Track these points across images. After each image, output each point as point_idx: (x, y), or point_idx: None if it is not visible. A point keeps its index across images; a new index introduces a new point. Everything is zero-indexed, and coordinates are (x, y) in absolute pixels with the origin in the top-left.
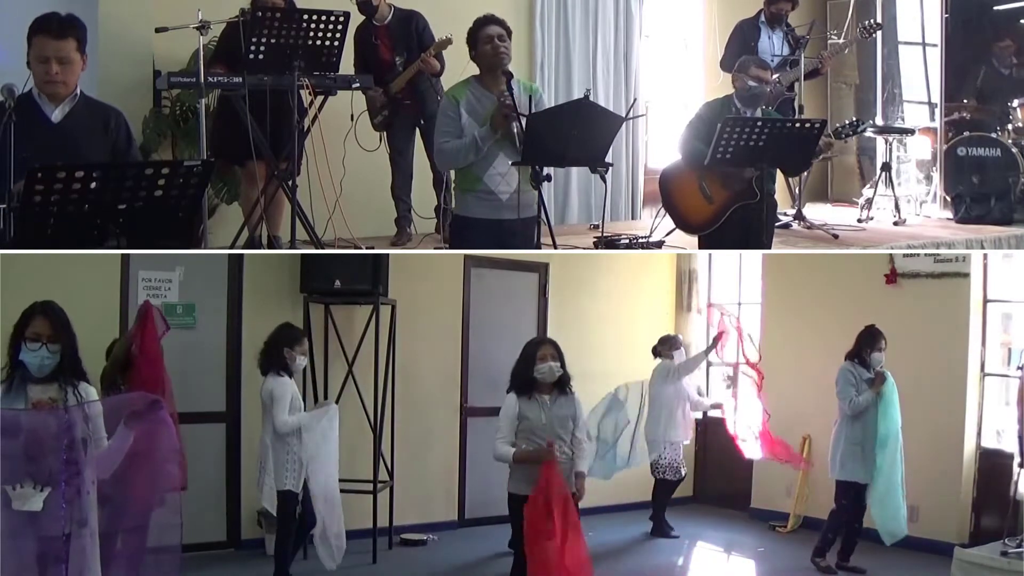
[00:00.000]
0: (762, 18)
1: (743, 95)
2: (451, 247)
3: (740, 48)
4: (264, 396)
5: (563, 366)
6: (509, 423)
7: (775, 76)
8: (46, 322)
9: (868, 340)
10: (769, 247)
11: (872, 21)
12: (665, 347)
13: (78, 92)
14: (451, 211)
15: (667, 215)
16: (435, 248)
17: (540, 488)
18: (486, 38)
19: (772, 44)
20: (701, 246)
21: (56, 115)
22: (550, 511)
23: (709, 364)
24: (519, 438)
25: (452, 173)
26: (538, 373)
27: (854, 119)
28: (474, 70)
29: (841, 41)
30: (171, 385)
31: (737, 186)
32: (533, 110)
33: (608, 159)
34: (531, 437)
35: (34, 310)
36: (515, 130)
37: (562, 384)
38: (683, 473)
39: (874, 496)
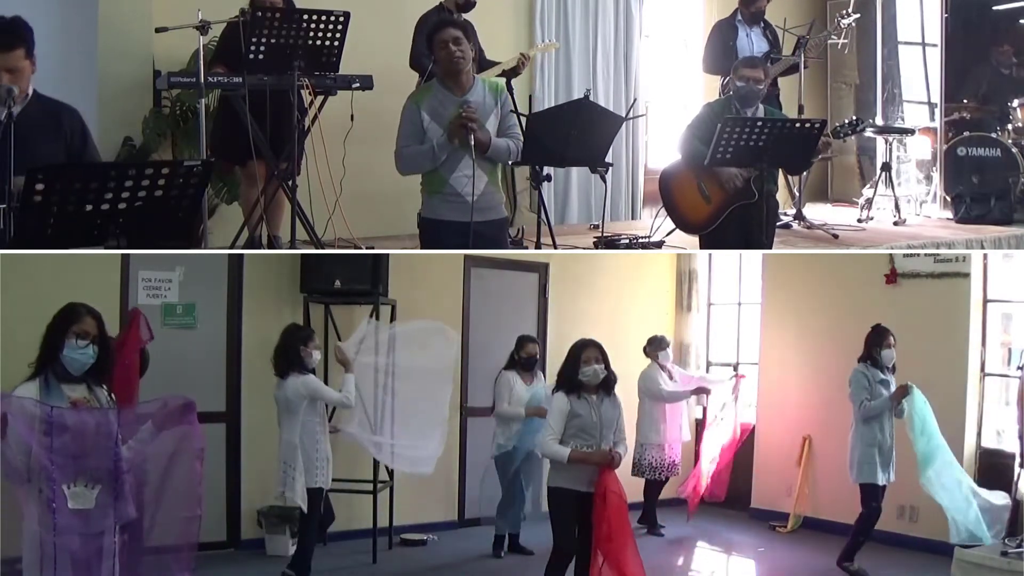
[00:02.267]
0: (738, 17)
1: (738, 94)
2: (421, 248)
3: (719, 48)
4: (292, 397)
5: (608, 367)
6: (560, 420)
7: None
8: (94, 322)
9: (876, 339)
10: (770, 247)
11: (845, 13)
12: (652, 347)
13: (30, 92)
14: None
15: (667, 215)
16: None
17: (612, 491)
18: (441, 43)
19: (751, 42)
20: (702, 246)
21: (5, 115)
22: (625, 511)
23: (709, 364)
24: (568, 435)
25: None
26: (583, 376)
27: (853, 118)
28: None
29: (820, 35)
30: (139, 393)
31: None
32: (505, 109)
33: (608, 159)
34: (581, 435)
35: (79, 310)
36: (471, 141)
37: (608, 386)
38: (665, 476)
39: (952, 512)
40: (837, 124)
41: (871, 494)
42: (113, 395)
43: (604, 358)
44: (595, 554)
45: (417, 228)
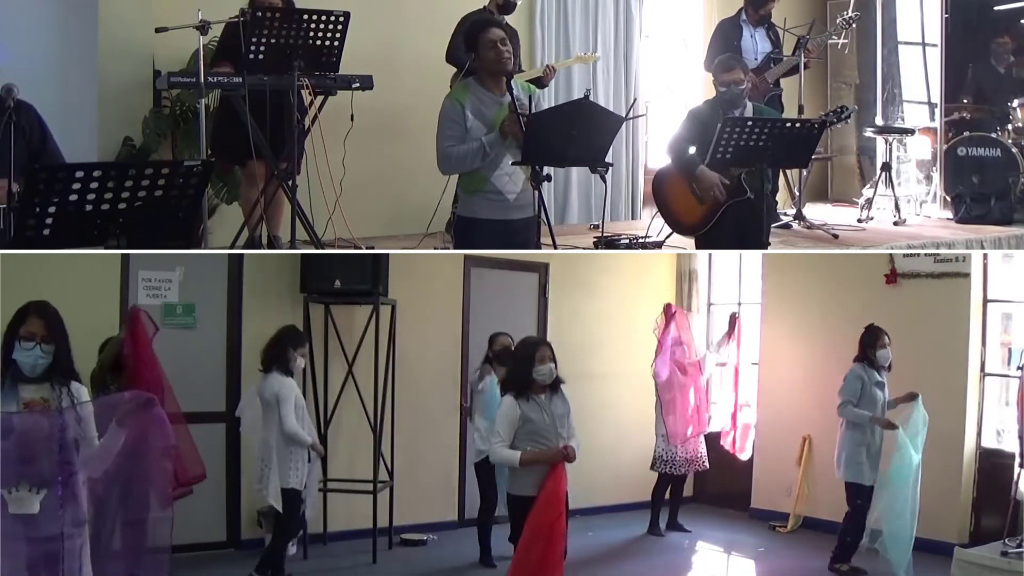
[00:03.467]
0: (743, 17)
1: (722, 100)
2: (457, 248)
3: (722, 48)
4: (267, 395)
5: (556, 366)
6: (509, 426)
7: (758, 75)
8: (40, 321)
9: (870, 339)
10: (766, 246)
11: (848, 12)
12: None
13: None
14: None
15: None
16: (435, 248)
17: (549, 491)
18: (489, 43)
19: (755, 42)
20: (698, 246)
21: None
22: (557, 513)
23: None
24: (521, 440)
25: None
26: (538, 375)
27: (840, 106)
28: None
29: (825, 33)
30: (170, 385)
31: (726, 186)
32: (533, 111)
33: (608, 159)
34: (536, 439)
35: (28, 310)
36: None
37: (555, 385)
38: (682, 471)
39: (886, 533)
40: (823, 112)
41: (856, 493)
42: (73, 393)
43: (554, 357)
44: (535, 553)
45: (450, 227)
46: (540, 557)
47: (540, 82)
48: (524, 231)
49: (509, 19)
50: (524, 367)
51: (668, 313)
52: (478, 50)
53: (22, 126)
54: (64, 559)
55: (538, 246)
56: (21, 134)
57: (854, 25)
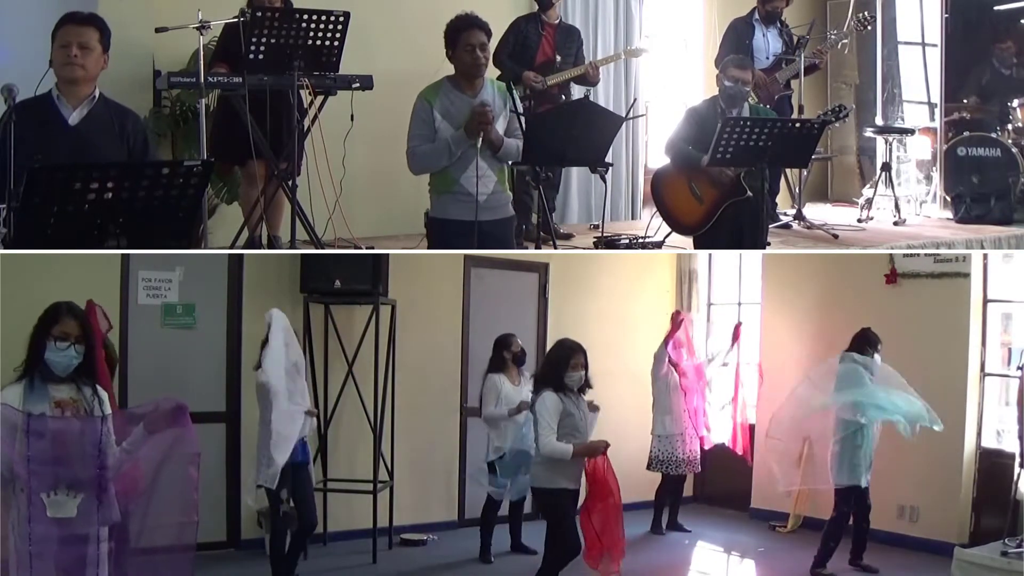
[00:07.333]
0: (756, 16)
1: (724, 95)
2: (429, 248)
3: (734, 47)
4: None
5: (587, 372)
6: (554, 418)
7: (768, 75)
8: (75, 322)
9: (864, 344)
10: (763, 246)
11: (867, 13)
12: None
13: (96, 94)
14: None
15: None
16: (435, 248)
17: (599, 479)
18: (467, 45)
19: (767, 42)
20: (696, 246)
21: (73, 117)
22: (609, 493)
23: (709, 362)
24: (562, 434)
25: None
26: (569, 380)
27: (838, 105)
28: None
29: (837, 33)
30: (109, 383)
31: (725, 185)
32: (513, 108)
33: (608, 159)
34: (574, 434)
35: (60, 310)
36: (492, 135)
37: (583, 388)
38: (681, 471)
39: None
40: (821, 112)
41: (844, 499)
42: (100, 393)
43: (587, 363)
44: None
45: (424, 227)
46: (610, 537)
47: (585, 80)
48: (496, 232)
49: (507, 16)
50: (557, 368)
51: (675, 321)
52: (456, 50)
53: (128, 133)
54: (98, 563)
55: (538, 246)
56: (125, 141)
57: (870, 27)
